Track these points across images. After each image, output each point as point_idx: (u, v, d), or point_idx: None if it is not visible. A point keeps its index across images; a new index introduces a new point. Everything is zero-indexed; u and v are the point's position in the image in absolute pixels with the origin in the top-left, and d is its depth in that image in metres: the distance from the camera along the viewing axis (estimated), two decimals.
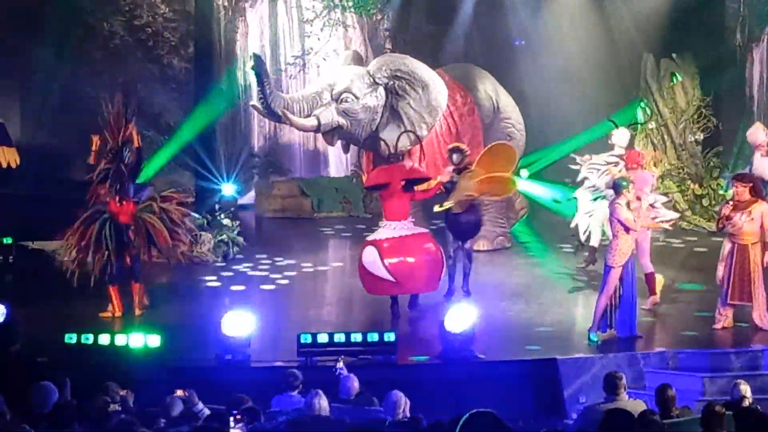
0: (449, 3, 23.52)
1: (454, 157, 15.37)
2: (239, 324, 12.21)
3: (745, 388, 9.50)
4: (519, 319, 14.48)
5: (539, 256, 18.63)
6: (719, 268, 13.67)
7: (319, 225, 22.21)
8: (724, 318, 13.59)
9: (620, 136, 16.75)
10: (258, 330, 12.73)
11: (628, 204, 13.03)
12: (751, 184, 13.46)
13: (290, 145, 24.34)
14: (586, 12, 23.38)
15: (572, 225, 17.12)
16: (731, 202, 13.52)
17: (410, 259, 14.32)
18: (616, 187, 13.16)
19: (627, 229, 12.92)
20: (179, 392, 9.26)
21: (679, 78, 22.04)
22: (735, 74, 23.72)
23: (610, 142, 16.88)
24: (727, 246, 13.57)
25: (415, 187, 14.74)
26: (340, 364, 10.89)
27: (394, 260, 14.26)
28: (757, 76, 23.95)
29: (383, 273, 14.29)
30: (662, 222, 15.25)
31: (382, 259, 14.26)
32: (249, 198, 23.18)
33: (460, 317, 12.23)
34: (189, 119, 20.37)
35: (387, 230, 14.40)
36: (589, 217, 16.64)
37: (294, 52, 24.02)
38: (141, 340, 12.19)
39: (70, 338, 12.19)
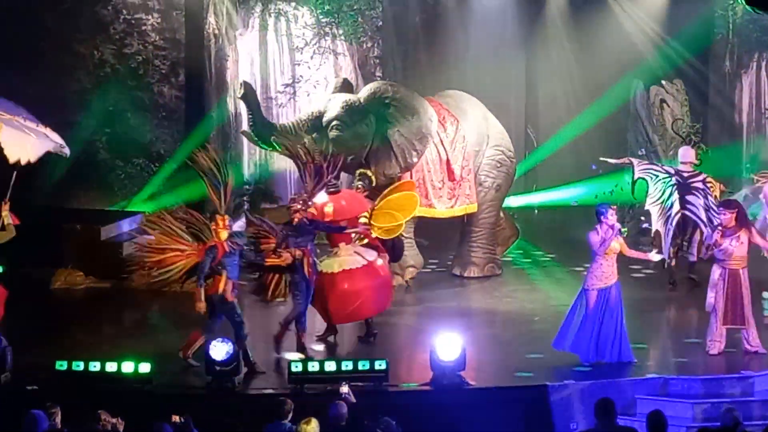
0: (439, 31, 23.63)
1: (360, 183, 15.69)
2: (229, 351, 12.17)
3: (738, 415, 9.49)
4: (509, 345, 14.46)
5: (530, 283, 18.62)
6: (710, 295, 13.70)
7: None
8: (718, 344, 13.59)
9: (687, 153, 17.50)
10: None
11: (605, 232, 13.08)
12: (737, 210, 13.58)
13: (281, 173, 24.31)
14: (576, 39, 23.47)
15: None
16: (719, 229, 13.62)
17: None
18: (598, 213, 13.14)
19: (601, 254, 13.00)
20: (175, 418, 9.23)
21: (668, 105, 22.14)
22: (724, 101, 23.84)
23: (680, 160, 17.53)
24: (717, 272, 13.61)
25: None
26: (345, 389, 10.86)
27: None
28: (746, 102, 24.05)
29: None
30: None
31: None
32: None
33: (450, 344, 12.22)
34: (180, 148, 20.37)
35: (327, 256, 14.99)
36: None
37: (284, 80, 24.02)
38: (132, 367, 12.15)
39: (61, 365, 12.14)
